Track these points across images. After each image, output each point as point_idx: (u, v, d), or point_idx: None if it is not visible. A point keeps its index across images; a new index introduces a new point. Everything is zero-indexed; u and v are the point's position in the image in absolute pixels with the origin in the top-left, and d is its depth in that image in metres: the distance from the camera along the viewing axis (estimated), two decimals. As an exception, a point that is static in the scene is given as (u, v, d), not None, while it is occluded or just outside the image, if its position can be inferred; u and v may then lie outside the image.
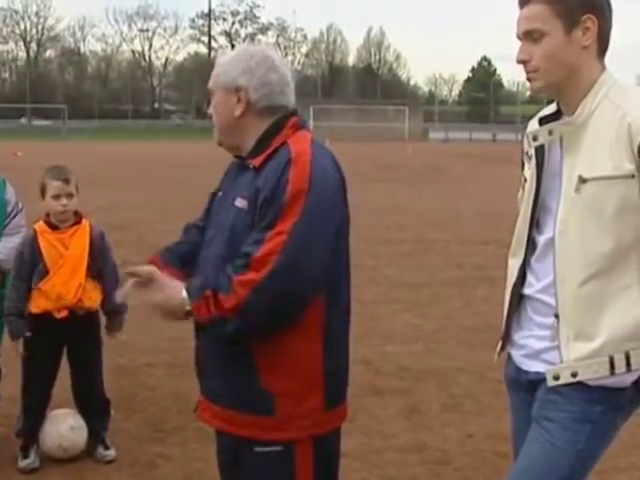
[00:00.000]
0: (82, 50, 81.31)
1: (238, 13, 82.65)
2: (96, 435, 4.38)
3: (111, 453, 4.34)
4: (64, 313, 4.18)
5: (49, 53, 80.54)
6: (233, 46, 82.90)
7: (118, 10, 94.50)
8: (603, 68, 2.30)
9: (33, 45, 77.84)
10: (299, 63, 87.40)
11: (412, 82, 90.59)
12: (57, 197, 4.16)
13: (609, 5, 2.29)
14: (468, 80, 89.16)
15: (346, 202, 2.47)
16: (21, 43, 77.79)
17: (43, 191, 4.21)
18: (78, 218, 4.29)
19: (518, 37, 2.30)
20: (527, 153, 2.43)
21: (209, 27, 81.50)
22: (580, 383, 2.23)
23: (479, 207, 15.68)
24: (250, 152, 2.46)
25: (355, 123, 59.34)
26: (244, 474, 2.51)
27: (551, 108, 2.41)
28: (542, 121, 2.38)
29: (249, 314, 2.28)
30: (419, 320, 7.36)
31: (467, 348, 6.32)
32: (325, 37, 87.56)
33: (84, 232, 4.26)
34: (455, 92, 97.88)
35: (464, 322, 7.17)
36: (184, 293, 2.34)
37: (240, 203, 2.39)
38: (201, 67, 78.66)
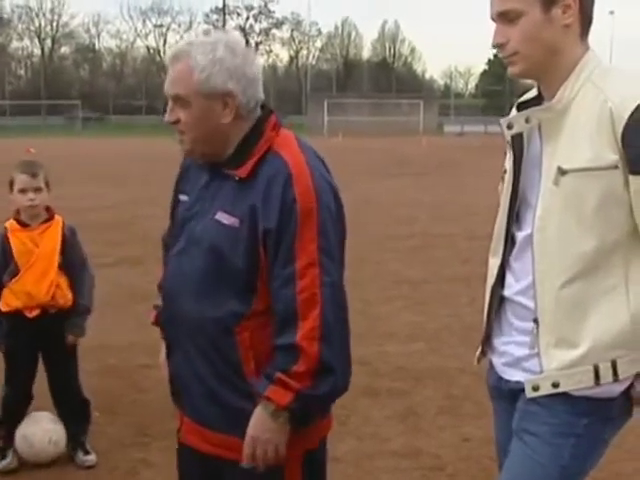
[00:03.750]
0: (97, 46, 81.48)
1: (252, 8, 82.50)
2: (75, 439, 4.23)
3: (91, 458, 4.18)
4: (36, 312, 4.05)
5: (64, 50, 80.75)
6: (248, 41, 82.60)
7: (132, 6, 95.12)
8: (586, 48, 2.09)
9: (48, 42, 78.09)
10: (314, 57, 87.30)
11: (427, 75, 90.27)
12: (24, 191, 4.00)
13: None
14: (484, 73, 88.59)
15: (341, 207, 2.26)
16: (36, 40, 78.06)
17: (11, 185, 4.06)
18: (50, 215, 4.14)
19: (492, 19, 2.09)
20: (508, 142, 2.24)
21: (223, 22, 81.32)
22: (563, 393, 2.03)
23: (492, 201, 15.39)
24: (230, 161, 2.21)
25: (370, 117, 59.06)
26: None
27: (532, 92, 2.21)
28: (521, 107, 2.18)
29: (329, 362, 2.13)
30: (422, 318, 7.16)
31: (469, 347, 6.05)
32: (340, 31, 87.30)
33: (56, 229, 4.12)
34: (471, 85, 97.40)
35: (468, 320, 6.96)
36: (261, 407, 2.15)
37: (227, 220, 2.17)
38: (215, 62, 78.65)
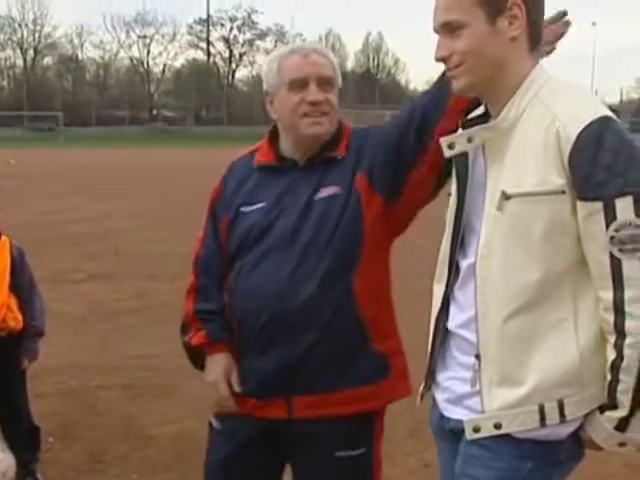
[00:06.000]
0: (80, 57, 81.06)
1: (236, 19, 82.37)
2: (26, 468, 4.05)
3: (41, 488, 4.02)
4: None
5: (46, 60, 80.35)
6: (231, 52, 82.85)
7: (116, 17, 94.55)
8: (535, 63, 1.95)
9: (30, 52, 77.68)
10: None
11: (411, 86, 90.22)
12: None
13: None
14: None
15: None
16: (18, 51, 77.60)
17: None
18: None
19: (435, 31, 1.95)
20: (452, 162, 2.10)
21: (207, 33, 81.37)
22: (507, 435, 1.88)
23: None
24: (328, 146, 2.46)
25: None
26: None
27: (479, 110, 2.07)
28: (467, 125, 2.03)
29: None
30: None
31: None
32: (324, 42, 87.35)
33: (4, 249, 3.95)
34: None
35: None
36: None
37: (328, 191, 2.40)
38: (199, 73, 78.51)
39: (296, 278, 2.38)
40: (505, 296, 1.87)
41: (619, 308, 1.78)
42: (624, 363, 1.79)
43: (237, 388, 2.50)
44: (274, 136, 2.55)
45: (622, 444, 1.91)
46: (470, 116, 2.09)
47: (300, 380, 2.44)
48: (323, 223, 2.38)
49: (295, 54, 2.47)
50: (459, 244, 2.02)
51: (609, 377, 1.83)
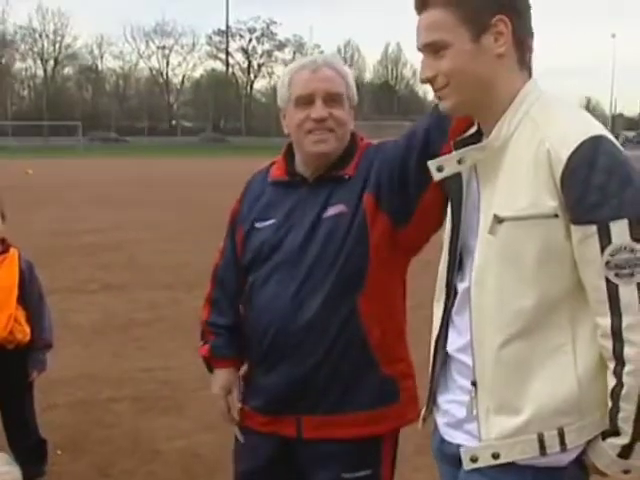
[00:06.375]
0: (100, 67, 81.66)
1: (255, 30, 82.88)
2: (31, 481, 4.05)
3: (47, 502, 4.01)
4: None
5: (67, 71, 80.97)
6: (250, 63, 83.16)
7: (135, 28, 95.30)
8: (527, 78, 1.88)
9: (51, 63, 78.28)
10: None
11: (430, 97, 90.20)
12: None
13: (525, 1, 1.86)
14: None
15: None
16: (39, 61, 78.23)
17: None
18: (5, 247, 3.98)
19: (419, 50, 1.89)
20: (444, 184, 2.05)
21: (226, 44, 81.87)
22: (507, 462, 1.83)
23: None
24: (338, 164, 2.43)
25: (371, 140, 59.00)
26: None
27: (473, 128, 2.01)
28: (458, 144, 1.96)
29: None
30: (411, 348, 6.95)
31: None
32: (342, 53, 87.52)
33: (13, 261, 3.96)
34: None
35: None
36: None
37: (335, 210, 2.37)
38: (218, 84, 78.84)
39: (300, 297, 2.37)
40: (500, 322, 1.82)
41: (617, 335, 1.72)
42: (624, 391, 1.74)
43: (237, 404, 2.51)
44: (289, 151, 2.54)
45: (626, 471, 1.86)
46: (461, 136, 2.02)
47: (307, 399, 2.42)
48: (329, 241, 2.36)
49: (305, 69, 2.44)
50: (456, 266, 1.98)
51: (610, 404, 1.78)
